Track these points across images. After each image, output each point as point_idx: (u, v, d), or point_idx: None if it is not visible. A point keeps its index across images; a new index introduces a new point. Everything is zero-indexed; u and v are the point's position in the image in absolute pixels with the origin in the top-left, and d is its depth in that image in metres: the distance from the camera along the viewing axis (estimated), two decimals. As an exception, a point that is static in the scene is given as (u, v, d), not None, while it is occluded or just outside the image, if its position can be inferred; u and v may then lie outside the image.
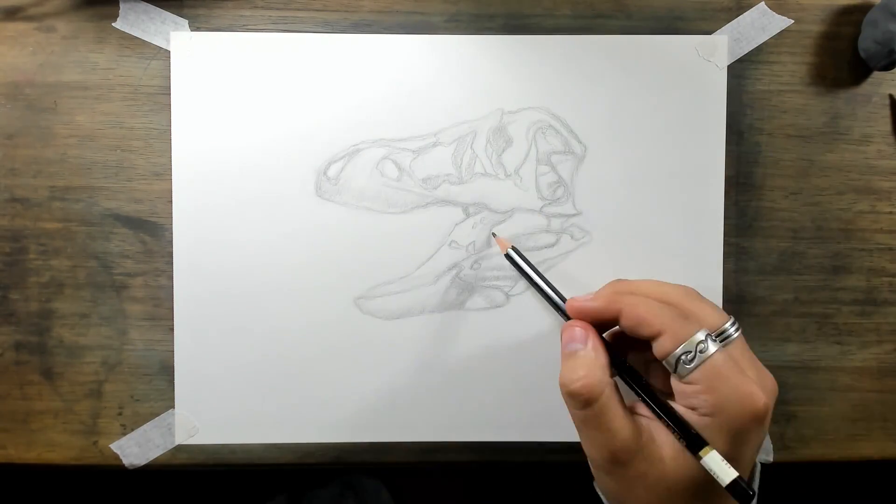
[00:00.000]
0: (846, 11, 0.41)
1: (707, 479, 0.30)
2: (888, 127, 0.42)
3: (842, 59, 0.42)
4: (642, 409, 0.34)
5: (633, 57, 0.41)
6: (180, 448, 0.41)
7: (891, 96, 0.42)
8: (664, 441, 0.32)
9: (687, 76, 0.41)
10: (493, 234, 0.40)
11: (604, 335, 0.35)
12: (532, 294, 0.41)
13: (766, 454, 0.42)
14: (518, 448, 0.41)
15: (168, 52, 0.40)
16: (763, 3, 0.41)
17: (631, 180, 0.41)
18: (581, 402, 0.32)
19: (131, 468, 0.41)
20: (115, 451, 0.41)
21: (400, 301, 0.41)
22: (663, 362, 0.32)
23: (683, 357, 0.30)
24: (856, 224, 0.42)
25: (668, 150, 0.41)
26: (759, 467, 0.34)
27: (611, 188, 0.41)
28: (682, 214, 0.41)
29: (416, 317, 0.41)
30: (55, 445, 0.41)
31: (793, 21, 0.41)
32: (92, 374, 0.41)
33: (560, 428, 0.41)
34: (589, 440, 0.32)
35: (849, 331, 0.42)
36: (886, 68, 0.40)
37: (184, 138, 0.40)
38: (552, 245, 0.41)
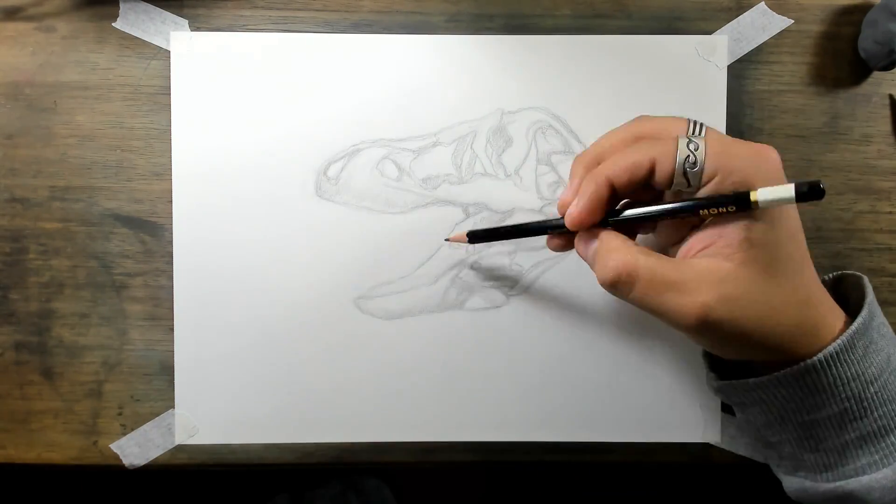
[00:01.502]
0: (846, 11, 0.41)
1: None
2: (888, 127, 0.42)
3: (842, 59, 0.42)
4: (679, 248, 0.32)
5: (633, 57, 0.41)
6: (180, 448, 0.41)
7: (891, 96, 0.42)
8: (709, 263, 0.30)
9: (687, 76, 0.41)
10: (446, 240, 0.40)
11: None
12: (532, 294, 0.41)
13: (766, 454, 0.42)
14: (518, 448, 0.41)
15: (168, 52, 0.40)
16: (763, 3, 0.41)
17: (631, 180, 0.41)
18: (628, 286, 0.31)
19: (131, 468, 0.41)
20: (115, 451, 0.41)
21: (400, 301, 0.41)
22: (673, 188, 0.31)
23: (687, 164, 0.30)
24: (856, 224, 0.42)
25: (668, 150, 0.41)
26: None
27: (611, 188, 0.41)
28: (682, 214, 0.41)
29: (416, 317, 0.41)
30: (55, 445, 0.41)
31: (793, 21, 0.41)
32: (92, 374, 0.41)
33: (560, 428, 0.41)
34: (663, 313, 0.31)
35: (849, 331, 0.42)
36: (886, 68, 0.40)
37: (184, 138, 0.40)
38: (552, 245, 0.41)
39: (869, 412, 0.31)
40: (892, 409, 0.31)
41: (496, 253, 0.41)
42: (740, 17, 0.41)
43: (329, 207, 0.41)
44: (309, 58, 0.40)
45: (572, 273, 0.41)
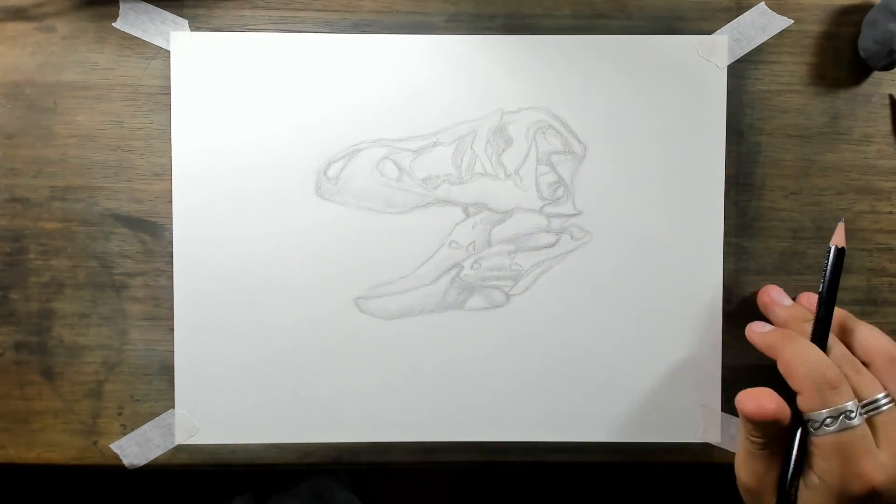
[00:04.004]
0: (846, 11, 0.41)
1: None
2: (888, 127, 0.42)
3: (842, 59, 0.42)
4: None
5: (633, 57, 0.41)
6: (180, 448, 0.41)
7: (891, 96, 0.42)
8: None
9: (687, 76, 0.41)
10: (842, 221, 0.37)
11: None
12: (532, 294, 0.41)
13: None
14: (518, 448, 0.41)
15: (168, 52, 0.40)
16: (763, 3, 0.41)
17: (631, 180, 0.41)
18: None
19: (131, 468, 0.41)
20: (115, 451, 0.41)
21: (400, 301, 0.41)
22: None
23: (828, 420, 0.31)
24: (856, 224, 0.42)
25: (668, 150, 0.41)
26: None
27: (611, 188, 0.41)
28: (682, 214, 0.41)
29: (416, 317, 0.41)
30: (55, 445, 0.41)
31: (793, 21, 0.41)
32: (92, 374, 0.41)
33: (560, 428, 0.41)
34: (845, 466, 0.31)
35: (849, 331, 0.42)
36: (886, 68, 0.40)
37: (184, 138, 0.40)
38: (552, 245, 0.41)
39: None
40: None
41: (496, 253, 0.41)
42: (740, 17, 0.41)
43: (329, 207, 0.41)
44: (309, 58, 0.40)
45: (572, 273, 0.41)
